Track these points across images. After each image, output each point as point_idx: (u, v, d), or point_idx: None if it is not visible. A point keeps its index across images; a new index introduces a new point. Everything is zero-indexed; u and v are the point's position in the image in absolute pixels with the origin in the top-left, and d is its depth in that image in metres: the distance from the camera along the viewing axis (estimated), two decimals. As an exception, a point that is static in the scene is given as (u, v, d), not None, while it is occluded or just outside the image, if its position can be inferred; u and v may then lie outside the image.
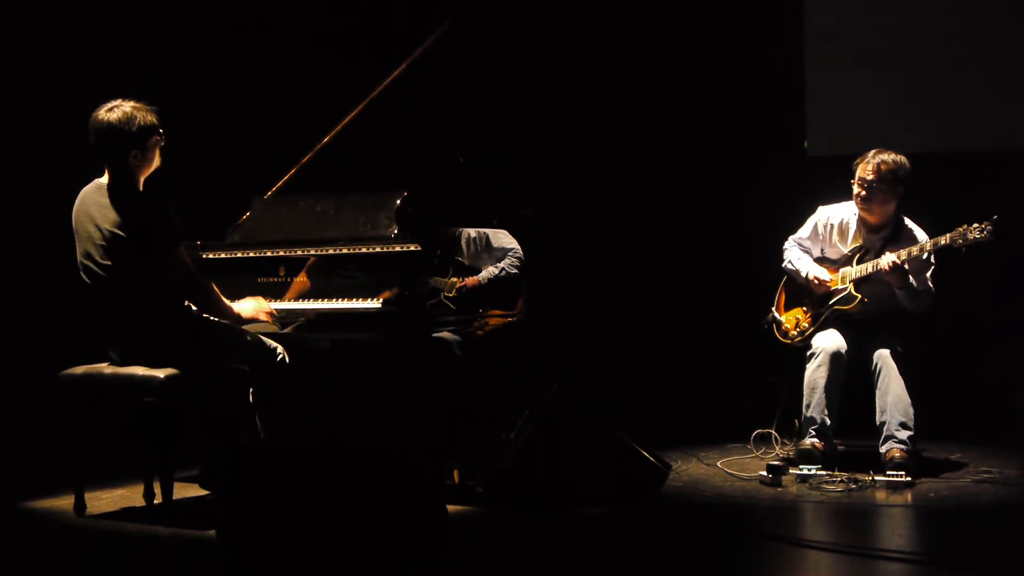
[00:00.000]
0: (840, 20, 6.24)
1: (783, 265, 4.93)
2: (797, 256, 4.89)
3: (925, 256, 4.58)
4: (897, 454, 4.44)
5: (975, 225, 4.34)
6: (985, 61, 5.96)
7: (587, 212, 6.36)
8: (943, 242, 4.43)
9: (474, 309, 4.90)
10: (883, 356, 4.57)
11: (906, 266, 4.53)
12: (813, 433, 4.64)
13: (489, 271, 5.06)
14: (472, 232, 5.18)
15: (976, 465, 4.72)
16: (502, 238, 5.16)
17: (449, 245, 5.18)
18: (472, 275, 5.03)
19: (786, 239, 4.99)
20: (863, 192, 4.65)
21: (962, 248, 4.37)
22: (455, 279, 4.98)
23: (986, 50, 5.96)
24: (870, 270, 4.62)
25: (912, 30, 6.09)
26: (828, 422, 4.63)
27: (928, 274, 4.66)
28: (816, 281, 4.76)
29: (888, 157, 4.62)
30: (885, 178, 4.59)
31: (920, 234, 4.67)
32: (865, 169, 4.64)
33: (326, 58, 6.19)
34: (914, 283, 4.59)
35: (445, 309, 4.92)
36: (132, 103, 3.99)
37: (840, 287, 4.72)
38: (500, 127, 6.13)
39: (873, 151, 4.67)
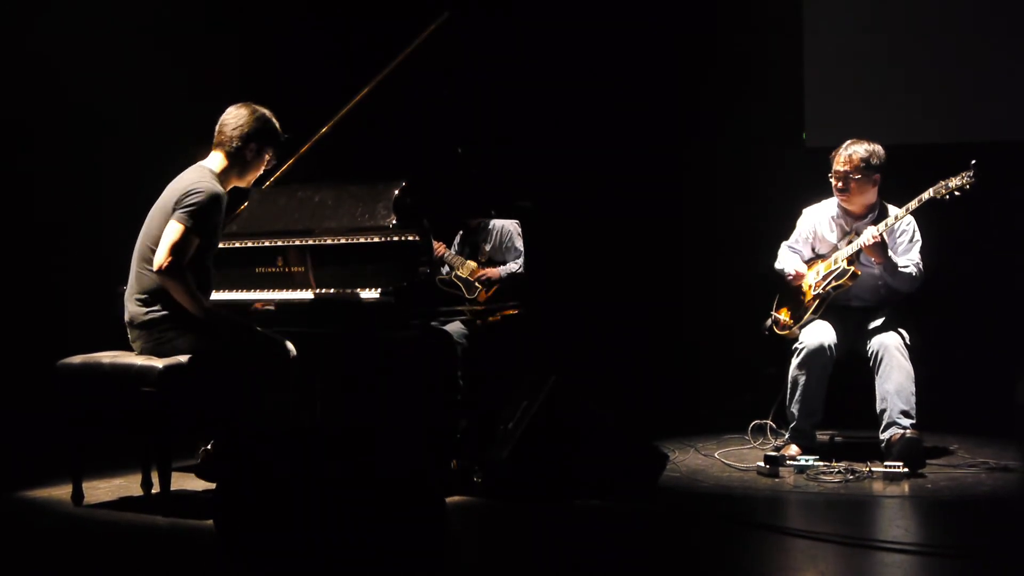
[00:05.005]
0: (839, 11, 6.24)
1: (775, 266, 4.98)
2: (783, 256, 4.96)
3: (911, 231, 4.69)
4: (909, 433, 4.43)
5: (955, 176, 4.45)
6: (983, 53, 5.96)
7: (585, 204, 6.35)
8: (927, 196, 4.51)
9: (488, 299, 5.04)
10: (884, 344, 4.58)
11: (886, 237, 4.59)
12: (792, 434, 4.70)
13: (509, 267, 5.28)
14: (499, 224, 5.36)
15: (973, 455, 4.73)
16: (517, 240, 5.37)
17: (477, 232, 5.38)
18: (493, 266, 5.25)
19: (785, 228, 5.02)
20: (840, 184, 4.72)
21: (946, 197, 4.46)
22: (473, 263, 5.20)
23: (984, 42, 5.96)
24: (857, 247, 4.66)
25: (911, 22, 6.09)
26: (806, 421, 4.67)
27: (916, 251, 4.71)
28: (794, 273, 4.83)
29: (860, 147, 4.69)
30: (859, 167, 4.66)
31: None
32: (839, 161, 4.72)
33: (325, 47, 6.18)
34: (897, 261, 4.63)
35: (453, 287, 5.02)
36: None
37: (834, 267, 4.73)
38: (498, 118, 6.12)
39: (846, 143, 4.74)
